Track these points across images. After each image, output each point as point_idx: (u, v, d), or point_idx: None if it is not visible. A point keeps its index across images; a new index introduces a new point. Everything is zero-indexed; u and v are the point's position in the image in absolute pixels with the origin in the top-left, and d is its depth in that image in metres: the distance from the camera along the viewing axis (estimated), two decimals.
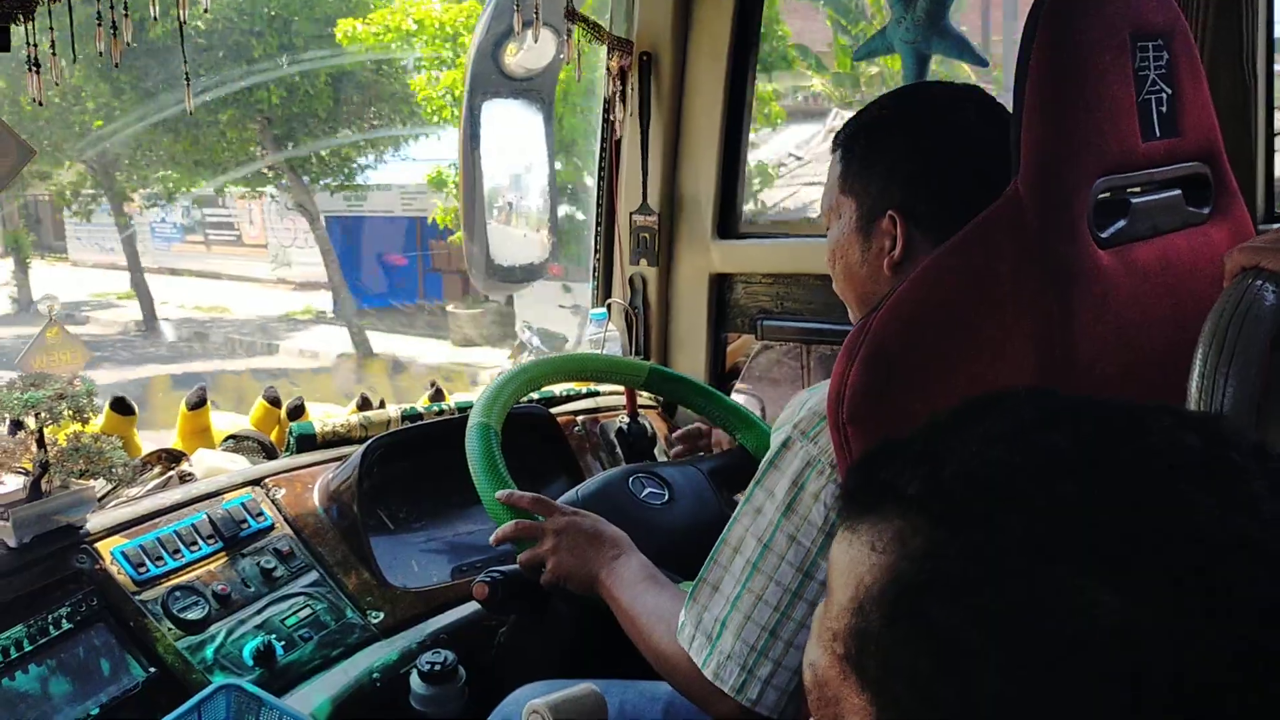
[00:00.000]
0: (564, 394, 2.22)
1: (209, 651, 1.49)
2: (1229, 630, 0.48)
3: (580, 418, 2.15)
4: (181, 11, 1.60)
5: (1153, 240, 1.10)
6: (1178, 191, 1.14)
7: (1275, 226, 0.99)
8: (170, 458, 1.81)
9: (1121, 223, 1.06)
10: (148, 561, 1.53)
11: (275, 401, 2.09)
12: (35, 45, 1.44)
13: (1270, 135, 1.62)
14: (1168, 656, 0.47)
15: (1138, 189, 1.10)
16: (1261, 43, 1.60)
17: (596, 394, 2.26)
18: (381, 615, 1.67)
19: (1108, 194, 1.05)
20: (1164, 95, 1.09)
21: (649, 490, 1.72)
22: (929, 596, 0.52)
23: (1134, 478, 0.51)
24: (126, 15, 1.55)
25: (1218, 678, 0.47)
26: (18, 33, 1.45)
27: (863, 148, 1.22)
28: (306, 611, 1.62)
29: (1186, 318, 1.08)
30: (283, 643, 1.55)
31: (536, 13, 2.06)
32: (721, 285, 2.31)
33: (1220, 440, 0.54)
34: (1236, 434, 0.55)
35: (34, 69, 1.45)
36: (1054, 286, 0.98)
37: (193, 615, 1.52)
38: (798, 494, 1.12)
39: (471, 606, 1.72)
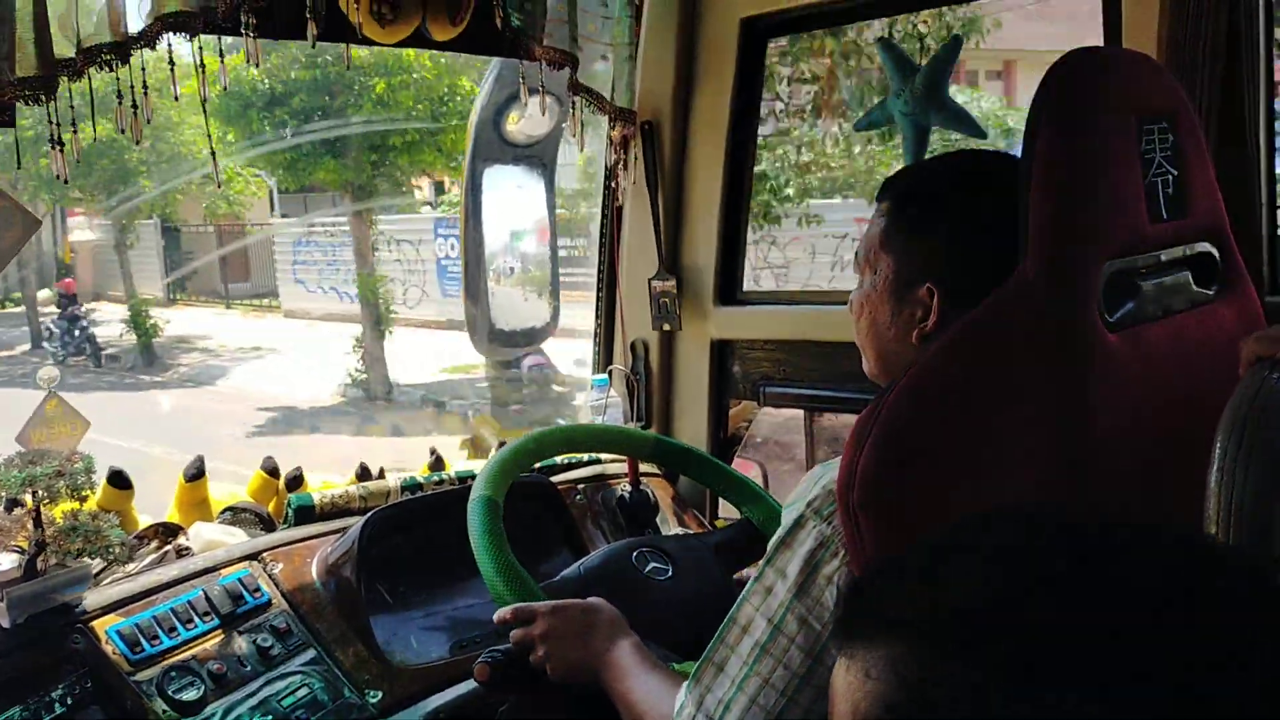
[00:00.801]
0: (565, 462, 2.20)
1: None
2: None
3: (581, 486, 2.13)
4: (202, 89, 1.62)
5: (1163, 321, 1.09)
6: (1186, 272, 1.14)
7: None
8: (167, 531, 1.79)
9: (1130, 304, 1.06)
10: (143, 640, 1.50)
11: (274, 472, 2.07)
12: (58, 124, 1.46)
13: (1274, 210, 1.62)
14: None
15: (1145, 270, 1.09)
16: (1262, 119, 1.61)
17: (599, 461, 2.24)
18: (380, 694, 1.63)
19: (1116, 275, 1.04)
20: (1170, 177, 1.09)
21: (653, 565, 1.70)
22: None
23: (1122, 603, 0.51)
24: (146, 93, 1.57)
25: None
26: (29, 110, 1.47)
27: (914, 210, 1.18)
28: (304, 691, 1.58)
29: (1200, 397, 1.07)
30: None
31: (542, 84, 2.08)
32: (723, 351, 2.31)
33: (1215, 566, 0.55)
34: (1234, 557, 0.57)
35: (57, 147, 1.46)
36: (1066, 369, 0.97)
37: (188, 696, 1.48)
38: (810, 575, 1.09)
39: (471, 685, 1.68)
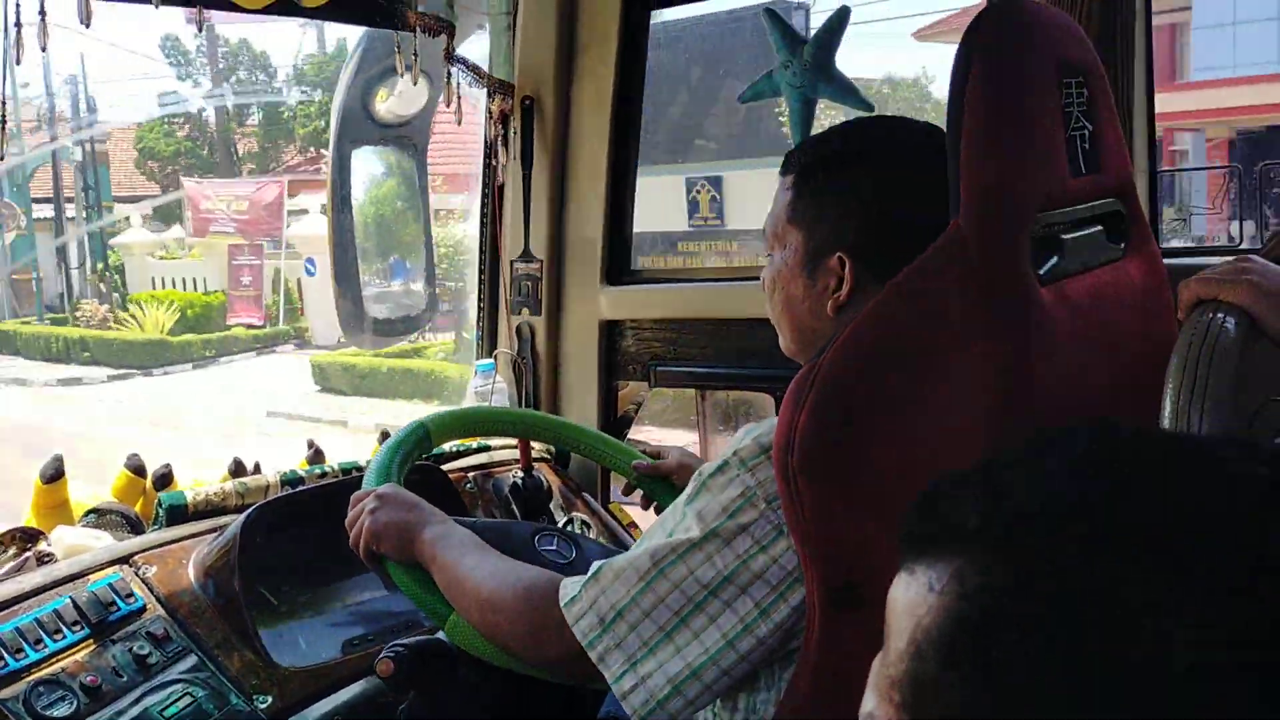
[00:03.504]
0: (453, 450, 2.12)
1: None
2: None
3: (472, 474, 2.05)
4: None
5: (1081, 276, 1.10)
6: (1099, 227, 1.15)
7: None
8: (26, 537, 1.64)
9: (1055, 259, 1.06)
10: (6, 655, 1.37)
11: (139, 470, 1.93)
12: None
13: (1154, 173, 1.67)
14: (1243, 694, 0.44)
15: (1066, 225, 1.09)
16: (1140, 82, 1.64)
17: (488, 448, 2.17)
18: (269, 699, 1.54)
19: (1042, 229, 1.04)
20: (1086, 132, 1.09)
21: (555, 548, 1.64)
22: (989, 634, 0.48)
23: (1204, 504, 0.48)
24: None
25: None
26: None
27: (818, 180, 1.18)
28: (186, 700, 1.47)
29: (1119, 352, 1.08)
30: None
31: (415, 55, 2.00)
32: (612, 332, 2.26)
33: None
34: None
35: None
36: (1005, 323, 0.96)
37: (59, 712, 1.36)
38: (725, 521, 1.08)
39: (365, 684, 1.61)
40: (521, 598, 1.21)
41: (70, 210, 19.89)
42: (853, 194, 1.15)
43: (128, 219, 19.82)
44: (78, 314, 18.48)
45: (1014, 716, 0.47)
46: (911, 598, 0.52)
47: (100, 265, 19.94)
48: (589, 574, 1.15)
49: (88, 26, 1.64)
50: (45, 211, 19.89)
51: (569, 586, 1.17)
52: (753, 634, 1.06)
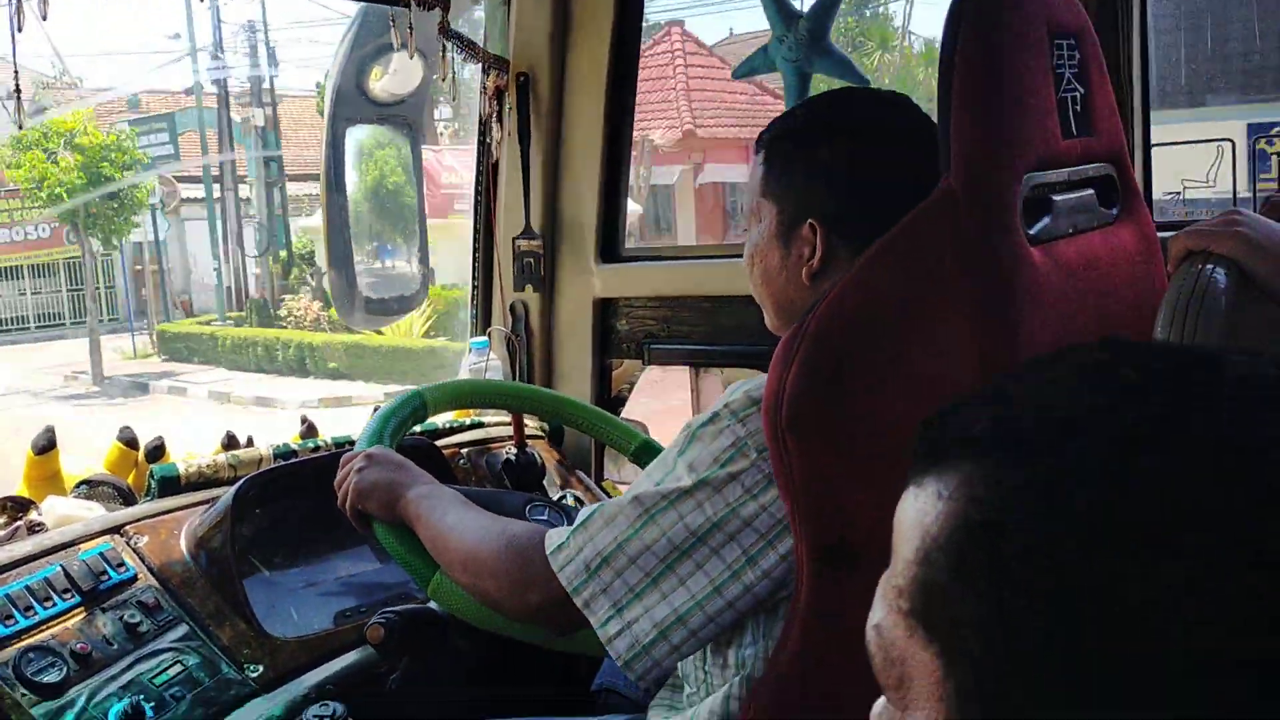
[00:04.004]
0: (447, 425, 2.12)
1: (70, 718, 1.34)
2: None
3: (465, 450, 2.05)
4: None
5: (1073, 239, 1.10)
6: (1091, 191, 1.15)
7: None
8: (17, 506, 1.64)
9: (1046, 220, 1.06)
10: None
11: (132, 443, 1.93)
12: None
13: (1148, 143, 1.66)
14: (1253, 599, 0.44)
15: (1057, 186, 1.09)
16: (1136, 51, 1.64)
17: (481, 425, 2.17)
18: (260, 668, 1.54)
19: (1032, 190, 1.03)
20: (1078, 94, 1.09)
21: (546, 518, 1.64)
22: (997, 535, 0.48)
23: (1214, 403, 0.48)
24: None
25: None
26: None
27: (785, 153, 1.21)
28: (177, 668, 1.47)
29: (1110, 316, 1.08)
30: (152, 703, 1.40)
31: (410, 27, 1.99)
32: (606, 310, 2.26)
33: None
34: None
35: None
36: (994, 282, 0.96)
37: (50, 678, 1.36)
38: (715, 470, 1.10)
39: (357, 654, 1.61)
40: (505, 548, 1.22)
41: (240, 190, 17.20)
42: (820, 163, 1.19)
43: (316, 197, 17.93)
44: (281, 313, 15.86)
45: (1023, 621, 0.47)
46: (920, 506, 0.52)
47: (284, 253, 17.30)
48: (577, 521, 1.16)
49: (45, 20, 1.63)
50: (195, 191, 17.15)
51: (555, 535, 1.18)
52: (740, 581, 1.07)
